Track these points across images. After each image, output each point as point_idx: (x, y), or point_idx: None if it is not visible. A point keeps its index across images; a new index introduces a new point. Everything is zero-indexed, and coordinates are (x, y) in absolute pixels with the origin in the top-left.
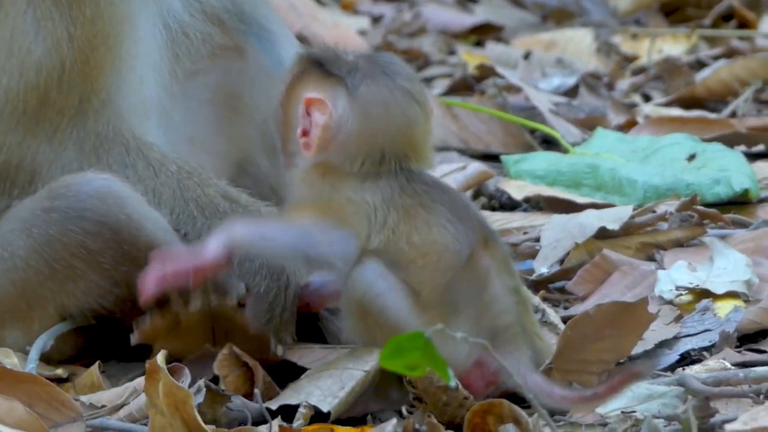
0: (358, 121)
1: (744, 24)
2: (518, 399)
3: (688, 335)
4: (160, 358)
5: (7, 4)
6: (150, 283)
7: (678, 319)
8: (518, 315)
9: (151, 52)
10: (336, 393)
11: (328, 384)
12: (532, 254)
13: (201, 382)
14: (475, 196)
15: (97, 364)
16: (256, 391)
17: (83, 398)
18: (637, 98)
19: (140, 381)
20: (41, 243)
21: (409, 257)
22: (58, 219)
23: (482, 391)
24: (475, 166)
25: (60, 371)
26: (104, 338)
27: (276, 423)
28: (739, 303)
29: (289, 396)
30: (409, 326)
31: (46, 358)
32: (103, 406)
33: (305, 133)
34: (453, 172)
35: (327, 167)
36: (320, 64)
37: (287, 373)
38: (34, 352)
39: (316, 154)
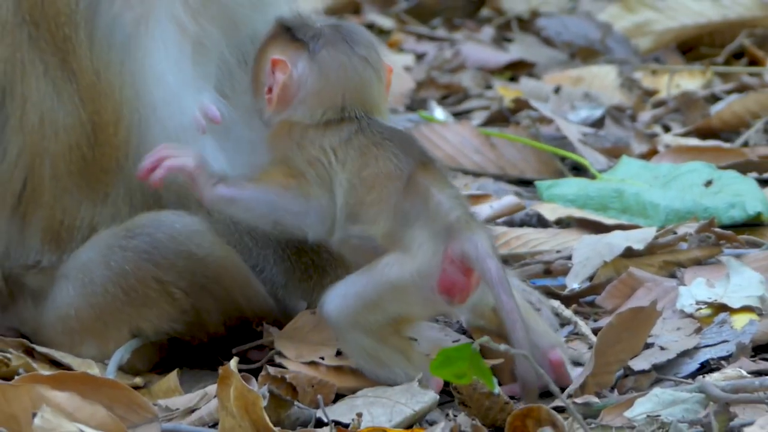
0: (317, 81)
1: (754, 61)
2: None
3: (708, 346)
4: (233, 364)
5: (29, 65)
6: (149, 163)
7: (698, 331)
8: (464, 210)
9: (187, 90)
10: (383, 423)
11: (378, 412)
12: (564, 271)
13: (265, 389)
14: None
15: (175, 371)
16: (319, 396)
17: (160, 402)
18: (657, 129)
19: (211, 388)
20: (118, 275)
21: (360, 196)
22: (133, 258)
23: (466, 285)
24: (509, 199)
25: (137, 380)
26: (176, 351)
27: (333, 426)
28: (753, 316)
29: (341, 412)
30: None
31: (123, 370)
32: (177, 410)
33: (270, 91)
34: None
35: (291, 124)
36: (288, 30)
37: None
38: (113, 363)
39: (276, 109)
